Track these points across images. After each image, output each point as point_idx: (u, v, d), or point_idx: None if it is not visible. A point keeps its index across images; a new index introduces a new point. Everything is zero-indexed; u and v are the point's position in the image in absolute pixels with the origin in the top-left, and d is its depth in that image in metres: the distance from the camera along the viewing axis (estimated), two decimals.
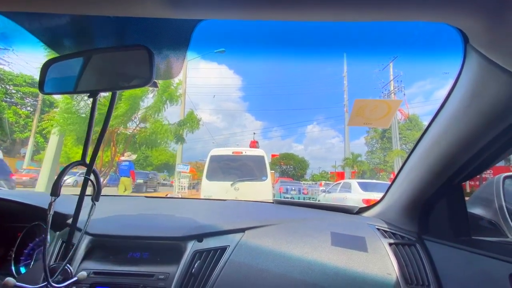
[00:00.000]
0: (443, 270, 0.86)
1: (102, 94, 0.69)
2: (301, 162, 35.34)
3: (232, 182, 5.34)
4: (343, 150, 24.87)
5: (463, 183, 0.93)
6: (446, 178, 0.85)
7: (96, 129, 0.64)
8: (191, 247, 0.92)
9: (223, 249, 0.91)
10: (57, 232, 1.00)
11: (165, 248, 0.94)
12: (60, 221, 0.99)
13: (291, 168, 34.35)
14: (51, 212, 0.60)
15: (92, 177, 0.68)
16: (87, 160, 0.65)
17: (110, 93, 0.66)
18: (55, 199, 0.60)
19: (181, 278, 0.84)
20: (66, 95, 8.28)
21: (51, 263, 0.87)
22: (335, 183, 10.61)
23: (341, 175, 22.84)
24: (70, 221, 1.01)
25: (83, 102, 8.49)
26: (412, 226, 1.02)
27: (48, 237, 0.63)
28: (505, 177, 0.97)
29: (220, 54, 12.03)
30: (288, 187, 13.05)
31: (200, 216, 1.09)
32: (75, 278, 0.71)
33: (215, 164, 5.75)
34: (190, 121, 11.02)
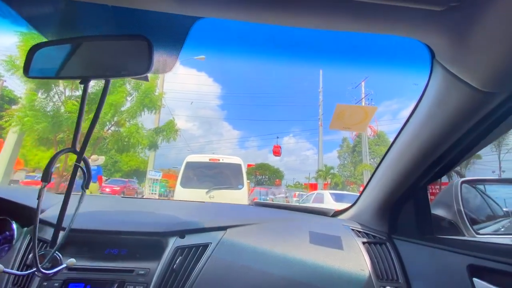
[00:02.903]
0: (410, 265, 0.93)
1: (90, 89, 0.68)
2: (276, 173, 35.67)
3: (207, 190, 5.25)
4: (317, 162, 25.60)
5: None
6: (413, 180, 0.93)
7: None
8: (173, 243, 0.91)
9: (205, 246, 0.91)
10: (25, 228, 0.93)
11: (145, 244, 0.91)
12: (28, 216, 0.93)
13: (266, 178, 34.53)
14: (41, 198, 0.58)
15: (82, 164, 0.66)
16: (77, 148, 0.64)
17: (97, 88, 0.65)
18: (45, 185, 0.58)
19: (162, 274, 0.82)
20: (32, 91, 7.75)
21: (20, 264, 0.82)
22: (309, 193, 10.86)
23: (314, 187, 23.39)
24: (42, 216, 0.95)
25: (52, 102, 7.98)
26: (382, 226, 1.10)
27: (37, 225, 0.59)
28: (462, 182, 1.09)
29: (201, 61, 12.00)
30: (263, 196, 13.14)
31: (181, 214, 1.08)
32: (64, 265, 0.67)
33: (190, 171, 5.62)
34: (168, 129, 10.75)
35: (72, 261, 0.69)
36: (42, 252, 0.68)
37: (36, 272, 0.60)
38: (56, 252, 0.68)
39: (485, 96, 0.60)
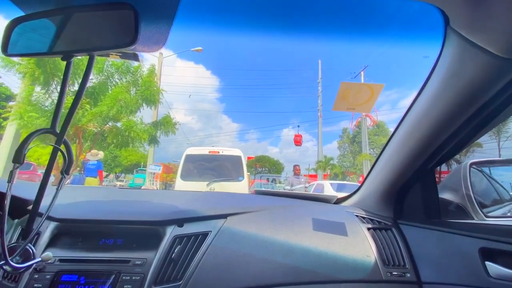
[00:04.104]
0: (417, 250, 0.90)
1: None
2: (276, 165, 35.81)
3: (207, 182, 5.23)
4: (316, 154, 25.58)
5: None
6: (421, 162, 0.89)
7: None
8: (171, 232, 0.87)
9: (204, 235, 0.88)
10: (16, 220, 0.89)
11: (142, 234, 0.88)
12: (19, 207, 0.89)
13: (266, 170, 34.64)
14: (13, 182, 0.53)
15: (62, 148, 0.61)
16: (58, 129, 0.59)
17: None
18: (18, 167, 0.53)
19: (160, 264, 0.79)
20: (29, 86, 7.67)
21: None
22: (309, 184, 10.87)
23: (314, 177, 23.42)
24: (31, 207, 0.91)
25: (51, 98, 7.91)
26: (388, 212, 1.07)
27: (6, 211, 0.54)
28: (471, 164, 1.05)
29: (198, 52, 11.88)
30: (263, 188, 13.28)
31: (180, 203, 1.04)
32: (38, 259, 0.62)
33: (190, 163, 5.60)
34: (165, 123, 10.73)
35: (48, 255, 0.64)
36: (14, 244, 0.62)
37: (4, 266, 0.55)
38: (29, 244, 0.62)
39: (506, 63, 0.55)
